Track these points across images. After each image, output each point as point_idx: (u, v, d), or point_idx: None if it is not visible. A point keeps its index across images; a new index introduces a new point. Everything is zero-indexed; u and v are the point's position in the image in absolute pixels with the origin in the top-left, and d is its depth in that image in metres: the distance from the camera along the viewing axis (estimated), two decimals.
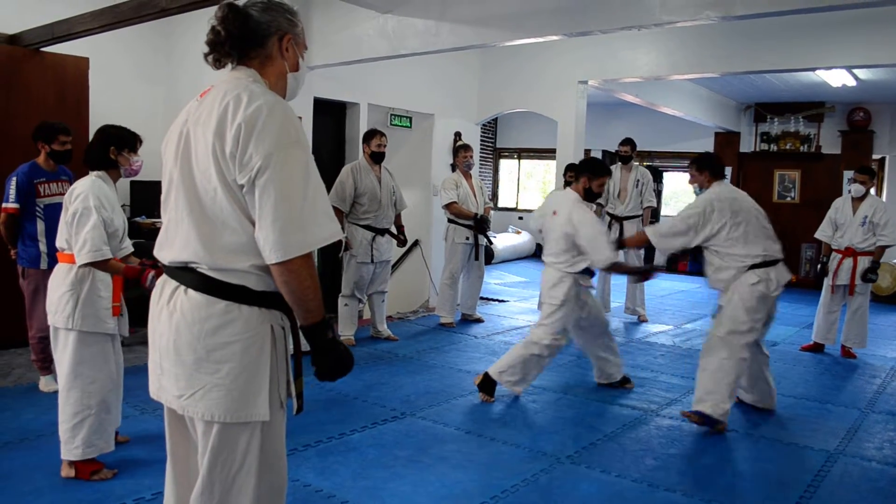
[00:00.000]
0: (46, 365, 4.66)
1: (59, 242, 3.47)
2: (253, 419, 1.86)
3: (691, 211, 4.59)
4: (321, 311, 1.85)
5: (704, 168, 4.73)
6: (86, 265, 3.32)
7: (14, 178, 4.65)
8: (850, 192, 6.71)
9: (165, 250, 1.94)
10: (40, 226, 4.67)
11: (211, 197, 1.82)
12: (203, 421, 1.87)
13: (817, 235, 6.83)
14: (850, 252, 6.55)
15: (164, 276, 1.96)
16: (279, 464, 1.97)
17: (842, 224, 6.63)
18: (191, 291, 1.86)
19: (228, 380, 1.83)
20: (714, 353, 4.50)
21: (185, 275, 1.88)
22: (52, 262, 4.49)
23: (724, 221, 4.47)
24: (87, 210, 3.32)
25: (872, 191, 6.75)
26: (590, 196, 4.98)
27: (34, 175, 4.69)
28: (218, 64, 1.95)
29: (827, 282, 6.72)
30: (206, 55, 1.94)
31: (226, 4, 1.91)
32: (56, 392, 4.20)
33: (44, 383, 4.77)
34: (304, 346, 1.94)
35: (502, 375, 4.90)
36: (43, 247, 4.64)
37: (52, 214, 4.44)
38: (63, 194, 4.44)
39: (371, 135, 6.39)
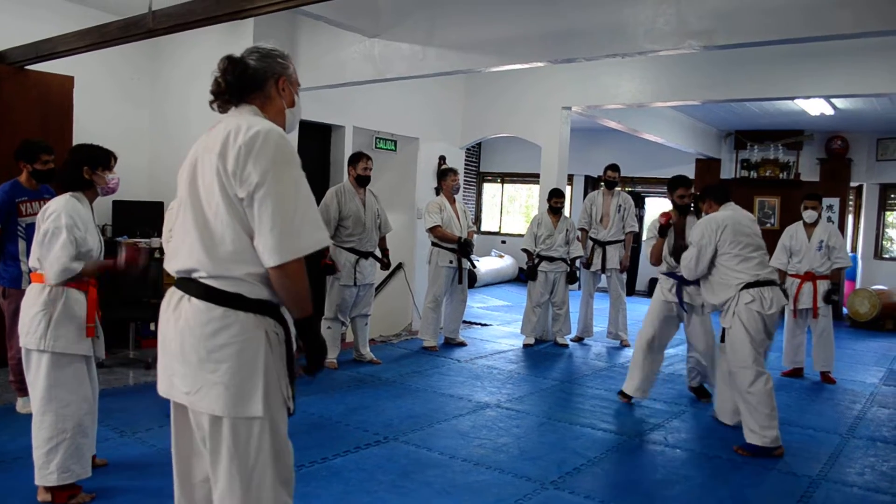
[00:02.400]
0: (25, 386, 4.57)
1: (32, 262, 3.42)
2: (249, 415, 2.04)
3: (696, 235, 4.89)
4: (311, 307, 2.10)
5: (706, 197, 5.11)
6: (57, 285, 3.28)
7: None
8: (822, 219, 6.85)
9: (174, 261, 2.16)
10: (21, 245, 4.61)
11: (213, 211, 2.05)
12: (210, 417, 2.06)
13: (772, 263, 6.86)
14: (809, 276, 6.68)
15: (171, 288, 2.17)
16: (287, 458, 2.15)
17: (798, 250, 6.77)
18: (194, 299, 2.08)
19: (226, 377, 2.03)
20: (739, 386, 4.63)
21: (189, 285, 2.10)
22: None
23: (723, 240, 4.74)
24: (57, 229, 3.29)
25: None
26: (679, 210, 5.53)
27: (16, 194, 4.63)
28: (222, 109, 2.22)
29: (788, 307, 6.82)
30: (211, 102, 2.22)
31: (225, 57, 2.20)
32: (30, 412, 4.14)
33: (20, 404, 4.68)
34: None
35: None
36: (24, 266, 4.56)
37: (34, 233, 4.41)
38: None
39: (357, 158, 6.40)
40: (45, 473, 3.29)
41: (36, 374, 3.35)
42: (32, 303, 3.37)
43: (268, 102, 2.22)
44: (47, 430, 3.31)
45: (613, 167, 8.27)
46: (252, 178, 1.98)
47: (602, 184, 8.40)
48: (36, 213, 4.54)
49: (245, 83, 2.18)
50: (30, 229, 4.56)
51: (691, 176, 12.54)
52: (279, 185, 1.98)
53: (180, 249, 2.13)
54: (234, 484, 2.05)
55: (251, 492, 2.06)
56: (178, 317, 2.10)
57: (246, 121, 2.07)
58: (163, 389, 2.21)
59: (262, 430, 2.06)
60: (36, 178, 4.67)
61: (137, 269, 3.60)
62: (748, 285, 4.62)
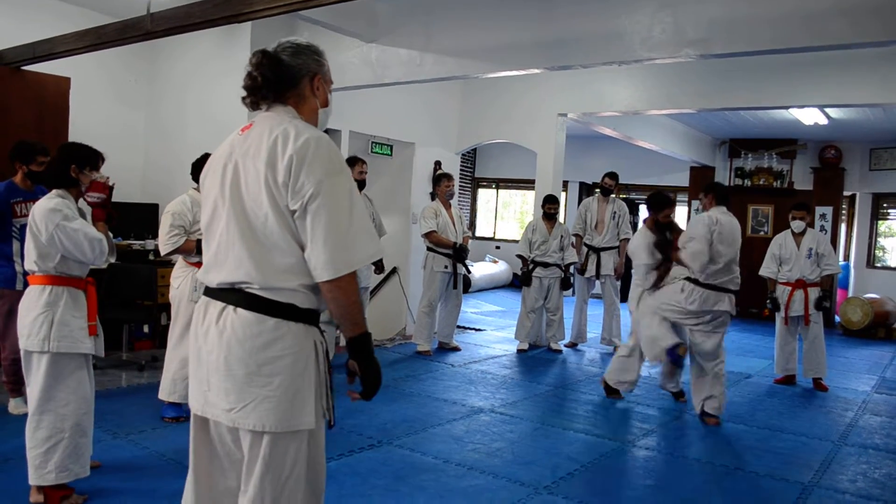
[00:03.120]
0: (17, 387, 4.56)
1: (28, 265, 3.38)
2: (302, 427, 1.98)
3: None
4: (365, 325, 2.02)
5: (709, 192, 5.47)
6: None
7: None
8: (811, 228, 6.95)
9: (213, 273, 2.05)
10: (16, 246, 4.55)
11: (262, 222, 1.95)
12: (251, 432, 1.97)
13: (762, 273, 6.99)
14: (800, 284, 6.73)
15: (205, 299, 2.07)
16: (321, 470, 2.10)
17: (787, 259, 6.84)
18: (240, 310, 1.97)
19: (279, 391, 1.95)
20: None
21: (233, 295, 2.00)
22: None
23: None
24: (66, 218, 3.27)
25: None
26: (660, 227, 5.66)
27: (11, 195, 4.58)
28: (254, 106, 2.09)
29: (779, 315, 6.86)
30: (243, 98, 2.09)
31: (260, 52, 2.07)
32: (26, 415, 4.12)
33: (13, 405, 4.66)
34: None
35: None
36: (19, 267, 4.51)
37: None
38: None
39: (352, 162, 6.40)
40: (43, 473, 3.27)
41: (36, 375, 3.32)
42: (33, 305, 3.34)
43: (302, 102, 2.12)
44: (46, 429, 3.28)
45: (612, 175, 8.31)
46: (305, 190, 1.89)
47: (597, 190, 8.43)
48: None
49: (280, 81, 2.06)
50: (24, 230, 4.50)
51: (685, 184, 12.67)
52: (333, 196, 1.90)
53: (224, 261, 2.01)
54: (264, 494, 1.97)
55: (280, 503, 2.00)
56: (222, 329, 1.98)
57: (292, 126, 1.97)
58: (195, 406, 2.09)
59: (301, 442, 2.00)
60: (31, 179, 4.62)
61: (108, 196, 3.51)
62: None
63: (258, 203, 1.95)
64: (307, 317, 2.01)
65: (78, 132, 5.85)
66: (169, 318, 5.01)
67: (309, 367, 2.00)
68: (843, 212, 12.15)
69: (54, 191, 3.43)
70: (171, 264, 5.37)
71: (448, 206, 7.45)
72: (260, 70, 2.04)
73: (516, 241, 8.60)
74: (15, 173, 4.66)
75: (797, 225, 6.81)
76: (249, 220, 1.97)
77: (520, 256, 7.90)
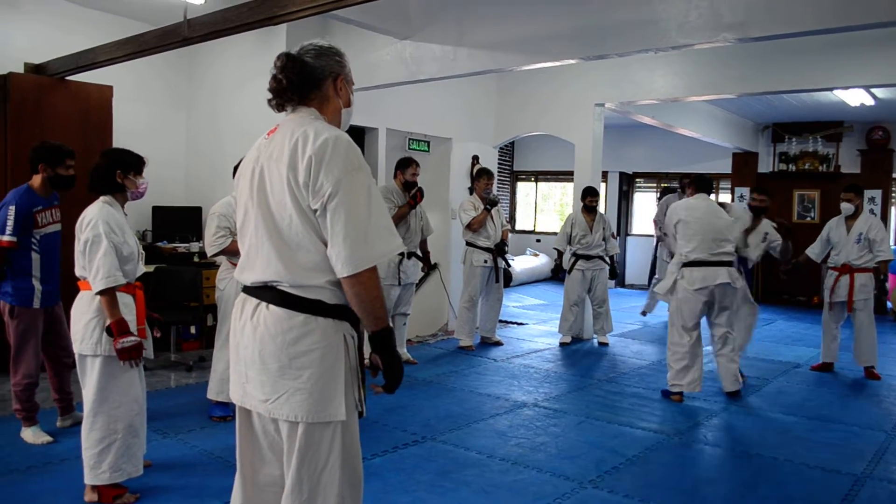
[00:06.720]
0: (32, 415, 4.29)
1: (78, 271, 3.46)
2: (332, 419, 2.05)
3: None
4: (387, 319, 2.08)
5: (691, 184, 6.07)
6: (102, 292, 3.33)
7: (12, 207, 4.08)
8: (864, 212, 6.78)
9: (247, 272, 2.15)
10: (35, 258, 4.20)
11: (287, 223, 2.04)
12: (288, 422, 2.06)
13: (807, 252, 6.92)
14: (846, 269, 6.57)
15: (243, 296, 2.17)
16: (356, 461, 2.16)
17: (837, 242, 6.68)
18: (272, 307, 2.07)
19: (310, 384, 2.03)
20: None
21: (266, 293, 2.09)
22: (47, 300, 4.25)
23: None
24: (97, 237, 3.34)
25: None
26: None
27: (33, 204, 4.17)
28: (280, 108, 2.17)
29: (825, 300, 6.74)
30: (269, 101, 2.16)
31: (283, 54, 2.14)
32: (45, 443, 4.18)
33: (30, 435, 4.24)
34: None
35: None
36: (37, 283, 4.20)
37: (48, 244, 4.23)
38: (57, 221, 4.31)
39: (406, 163, 6.43)
40: (98, 473, 3.37)
41: (89, 377, 3.42)
42: (85, 310, 3.44)
43: (325, 103, 2.18)
44: (99, 430, 3.38)
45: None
46: (325, 189, 1.96)
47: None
48: (49, 223, 4.28)
49: (304, 82, 2.13)
50: (44, 240, 4.24)
51: (728, 170, 12.44)
52: (351, 193, 1.97)
53: (255, 261, 2.11)
54: (301, 484, 2.06)
55: (318, 493, 2.07)
56: (256, 324, 2.08)
57: (312, 127, 2.04)
58: (235, 397, 2.20)
59: (335, 433, 2.07)
60: (53, 184, 4.23)
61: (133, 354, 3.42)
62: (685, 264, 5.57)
63: (282, 205, 2.03)
64: (336, 312, 2.07)
65: (121, 137, 5.98)
66: (215, 319, 5.10)
67: (338, 361, 2.07)
68: (893, 194, 11.80)
69: (102, 198, 3.51)
70: (215, 266, 5.47)
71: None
72: (284, 73, 2.11)
73: (556, 234, 8.55)
74: (29, 177, 4.26)
75: (845, 207, 6.64)
76: (276, 221, 2.05)
77: (556, 249, 7.87)
